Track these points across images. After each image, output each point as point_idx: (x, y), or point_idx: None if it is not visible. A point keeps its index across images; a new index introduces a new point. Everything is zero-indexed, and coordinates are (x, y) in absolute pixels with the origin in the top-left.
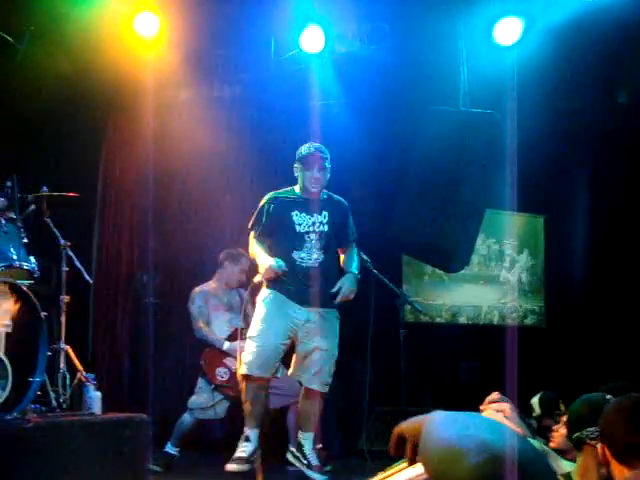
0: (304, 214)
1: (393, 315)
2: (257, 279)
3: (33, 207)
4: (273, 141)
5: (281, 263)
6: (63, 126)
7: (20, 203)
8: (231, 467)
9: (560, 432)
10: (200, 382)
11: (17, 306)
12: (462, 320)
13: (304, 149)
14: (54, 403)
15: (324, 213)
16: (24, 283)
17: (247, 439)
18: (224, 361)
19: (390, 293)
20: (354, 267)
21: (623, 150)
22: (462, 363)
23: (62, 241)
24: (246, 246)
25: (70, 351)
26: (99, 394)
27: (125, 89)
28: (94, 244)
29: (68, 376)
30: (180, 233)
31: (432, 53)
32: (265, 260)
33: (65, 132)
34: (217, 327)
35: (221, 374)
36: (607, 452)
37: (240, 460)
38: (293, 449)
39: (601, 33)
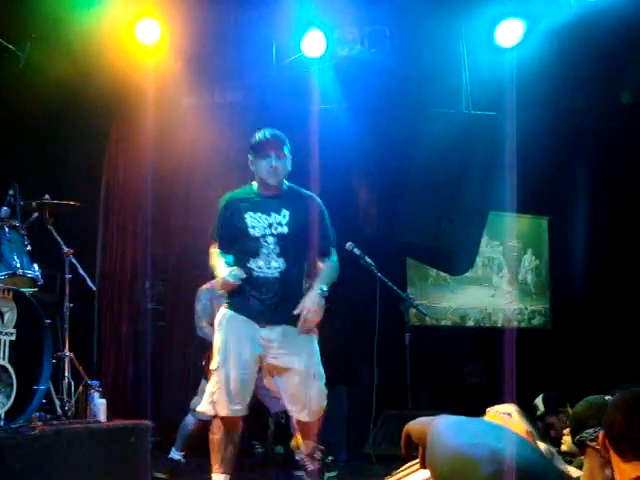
0: (259, 214)
1: (398, 319)
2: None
3: (36, 215)
4: None
5: (237, 273)
6: (66, 133)
7: (23, 211)
8: None
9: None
10: (202, 383)
11: (21, 314)
12: (467, 323)
13: (257, 135)
14: (59, 411)
15: (284, 212)
16: (28, 291)
17: None
18: None
19: (395, 296)
20: (320, 281)
21: (626, 150)
22: (468, 366)
23: (65, 249)
24: None
25: (74, 358)
26: (104, 401)
27: (127, 96)
28: (98, 251)
29: (73, 383)
30: (183, 239)
31: (433, 56)
32: (220, 271)
33: (68, 139)
34: None
35: None
36: (607, 443)
37: None
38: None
39: (603, 34)
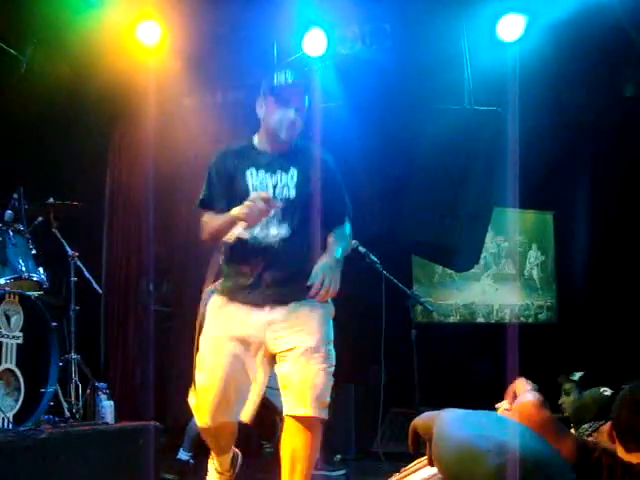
0: (262, 172)
1: (404, 316)
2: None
3: (41, 218)
4: None
5: (259, 193)
6: (68, 136)
7: (27, 215)
8: None
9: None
10: None
11: (27, 317)
12: (474, 319)
13: (278, 77)
14: (67, 413)
15: (292, 171)
16: (34, 294)
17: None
18: None
19: (400, 294)
20: (334, 246)
21: (630, 144)
22: (474, 362)
23: (70, 252)
24: None
25: (81, 361)
26: (111, 403)
27: (129, 97)
28: (103, 253)
29: (80, 386)
30: (186, 239)
31: (434, 52)
32: (227, 214)
33: (70, 142)
34: None
35: None
36: (613, 434)
37: None
38: None
39: (604, 27)
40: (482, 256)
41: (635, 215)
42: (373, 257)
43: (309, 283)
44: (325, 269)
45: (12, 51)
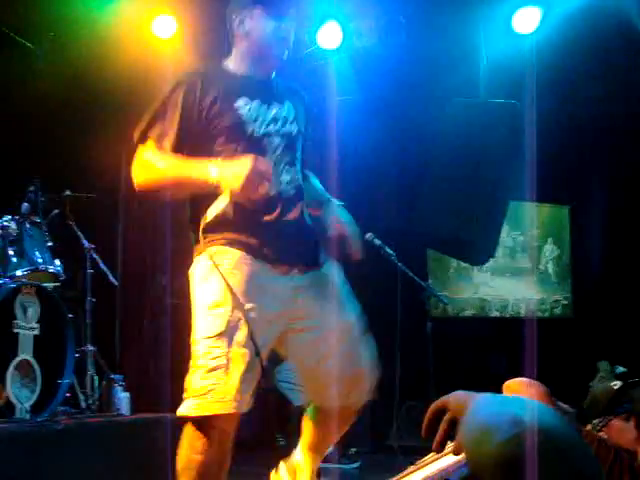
0: (257, 102)
1: (419, 309)
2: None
3: (57, 211)
4: None
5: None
6: (84, 128)
7: (44, 207)
8: None
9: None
10: None
11: (44, 309)
12: (489, 313)
13: None
14: (83, 404)
15: (286, 103)
16: (50, 286)
17: None
18: None
19: (416, 287)
20: (329, 196)
21: None
22: (490, 356)
23: (86, 244)
24: None
25: (97, 352)
26: (127, 395)
27: (144, 90)
28: (118, 245)
29: (96, 377)
30: None
31: (450, 45)
32: (204, 169)
33: (86, 134)
34: None
35: None
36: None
37: None
38: None
39: (621, 17)
40: (498, 250)
41: None
42: (388, 250)
43: (332, 233)
44: (342, 219)
45: (30, 45)
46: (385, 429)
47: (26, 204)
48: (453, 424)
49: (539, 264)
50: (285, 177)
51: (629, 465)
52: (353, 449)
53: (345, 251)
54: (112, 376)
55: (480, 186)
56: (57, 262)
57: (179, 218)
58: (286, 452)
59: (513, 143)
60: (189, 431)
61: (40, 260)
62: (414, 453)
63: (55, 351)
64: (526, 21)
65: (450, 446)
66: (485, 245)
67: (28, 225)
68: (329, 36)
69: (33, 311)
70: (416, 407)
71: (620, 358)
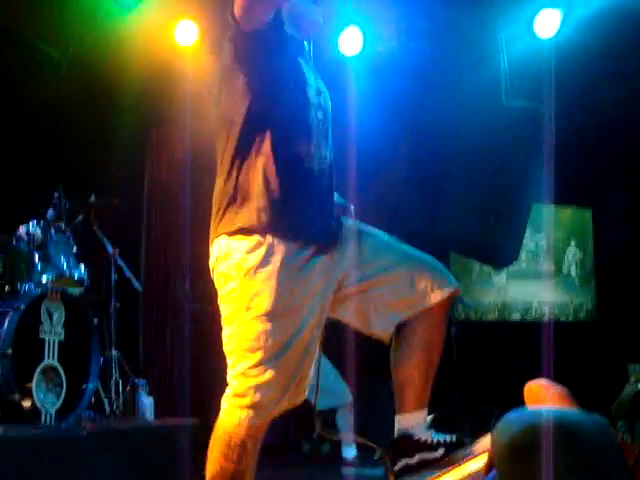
0: (308, 67)
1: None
2: None
3: (81, 217)
4: None
5: None
6: (107, 135)
7: (68, 213)
8: None
9: None
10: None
11: (69, 315)
12: (512, 317)
13: None
14: (107, 409)
15: (319, 78)
16: (75, 291)
17: None
18: None
19: None
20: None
21: None
22: (514, 360)
23: (111, 250)
24: None
25: (121, 358)
26: (151, 400)
27: (166, 96)
28: (142, 251)
29: (120, 382)
30: None
31: (471, 48)
32: None
33: (110, 141)
34: None
35: None
36: None
37: None
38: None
39: None
40: (521, 253)
41: None
42: None
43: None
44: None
45: (54, 53)
46: None
47: (51, 210)
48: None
49: (562, 267)
50: (323, 151)
51: None
52: (378, 453)
53: None
54: (136, 381)
55: (503, 189)
56: (82, 268)
57: (200, 224)
58: (310, 457)
59: (535, 146)
60: (223, 439)
61: (65, 266)
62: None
63: (80, 356)
64: (547, 24)
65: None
66: (508, 248)
67: (53, 231)
68: (350, 41)
69: (58, 316)
70: (439, 412)
71: None
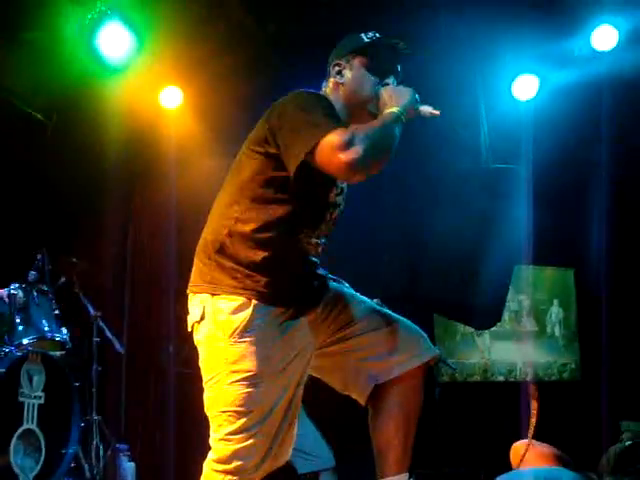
0: None
1: (428, 376)
2: None
3: (64, 279)
4: None
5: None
6: (92, 196)
7: (51, 275)
8: None
9: None
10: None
11: (49, 377)
12: (496, 378)
13: (381, 38)
14: (88, 475)
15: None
16: (56, 354)
17: None
18: None
19: None
20: None
21: None
22: (498, 421)
23: (92, 312)
24: None
25: (102, 422)
26: (133, 465)
27: (150, 159)
28: (125, 313)
29: (102, 447)
30: None
31: (451, 112)
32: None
33: (93, 203)
34: None
35: None
36: None
37: None
38: None
39: (616, 82)
40: (504, 314)
41: None
42: None
43: None
44: None
45: (39, 116)
46: None
47: (33, 272)
48: None
49: (546, 327)
50: (322, 240)
51: None
52: None
53: None
54: (117, 446)
55: (485, 251)
56: (64, 330)
57: (184, 288)
58: None
59: (514, 207)
60: None
61: (47, 328)
62: None
63: (60, 420)
64: (524, 89)
65: None
66: (490, 309)
67: (35, 293)
68: None
69: (39, 379)
70: (426, 476)
71: (629, 421)
